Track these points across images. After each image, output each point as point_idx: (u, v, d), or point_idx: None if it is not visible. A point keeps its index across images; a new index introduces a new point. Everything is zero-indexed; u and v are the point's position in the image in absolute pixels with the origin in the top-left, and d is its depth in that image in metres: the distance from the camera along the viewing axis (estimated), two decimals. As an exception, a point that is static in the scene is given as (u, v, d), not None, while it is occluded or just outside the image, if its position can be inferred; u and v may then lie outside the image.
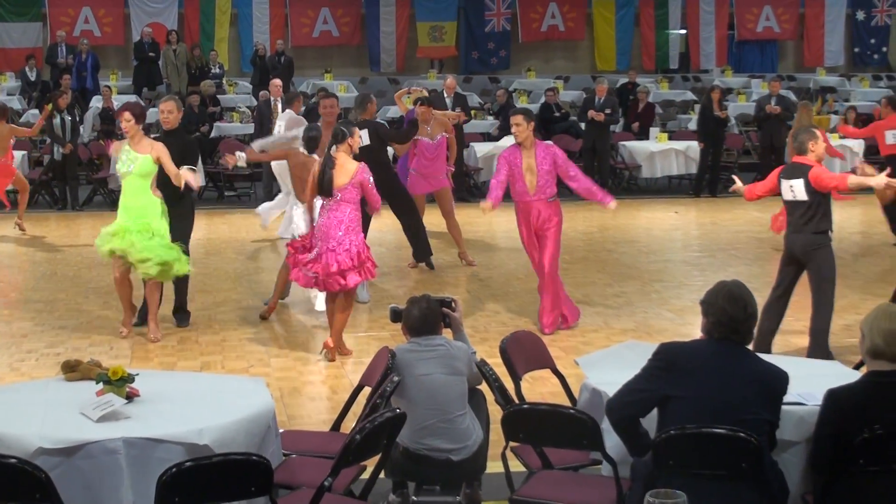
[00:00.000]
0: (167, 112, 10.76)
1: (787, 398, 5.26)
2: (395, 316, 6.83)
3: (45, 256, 14.81)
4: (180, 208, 10.58)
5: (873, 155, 21.63)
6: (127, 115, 10.28)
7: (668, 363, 5.18)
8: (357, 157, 9.73)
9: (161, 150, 10.23)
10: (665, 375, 5.16)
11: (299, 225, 11.01)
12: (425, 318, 6.40)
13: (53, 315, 11.45)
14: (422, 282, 13.04)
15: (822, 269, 9.30)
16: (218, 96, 23.61)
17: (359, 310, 11.61)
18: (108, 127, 20.75)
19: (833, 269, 9.31)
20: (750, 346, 5.31)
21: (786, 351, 9.67)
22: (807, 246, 9.27)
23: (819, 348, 9.28)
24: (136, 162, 10.16)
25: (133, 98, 24.06)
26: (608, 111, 19.84)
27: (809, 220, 9.23)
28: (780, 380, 5.19)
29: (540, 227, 10.71)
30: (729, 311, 5.15)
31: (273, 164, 15.07)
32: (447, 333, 6.60)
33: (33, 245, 15.72)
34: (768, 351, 9.13)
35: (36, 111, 22.36)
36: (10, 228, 16.42)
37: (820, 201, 9.19)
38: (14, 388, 7.31)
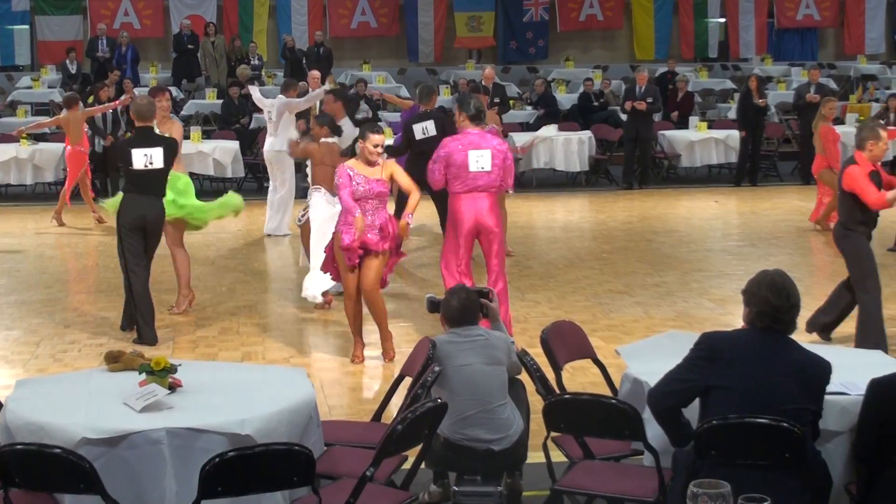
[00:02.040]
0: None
1: (829, 388, 5.24)
2: (433, 306, 6.83)
3: (87, 248, 14.92)
4: (161, 209, 10.24)
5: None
6: (166, 95, 10.65)
7: (711, 353, 5.15)
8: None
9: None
10: (707, 365, 5.13)
11: (317, 207, 11.02)
12: (464, 308, 6.40)
13: (96, 306, 11.53)
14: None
15: (851, 260, 9.29)
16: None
17: (399, 301, 11.64)
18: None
19: (861, 257, 9.24)
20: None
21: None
22: (836, 236, 9.40)
23: (867, 336, 9.21)
24: None
25: (172, 90, 24.20)
26: (650, 100, 19.72)
27: (841, 210, 9.29)
28: (822, 369, 5.16)
29: (483, 220, 9.76)
30: (772, 300, 5.12)
31: (266, 151, 15.21)
32: (484, 324, 6.61)
33: (76, 237, 15.82)
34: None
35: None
36: (49, 221, 16.49)
37: (846, 195, 9.12)
38: (57, 378, 7.36)
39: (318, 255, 10.61)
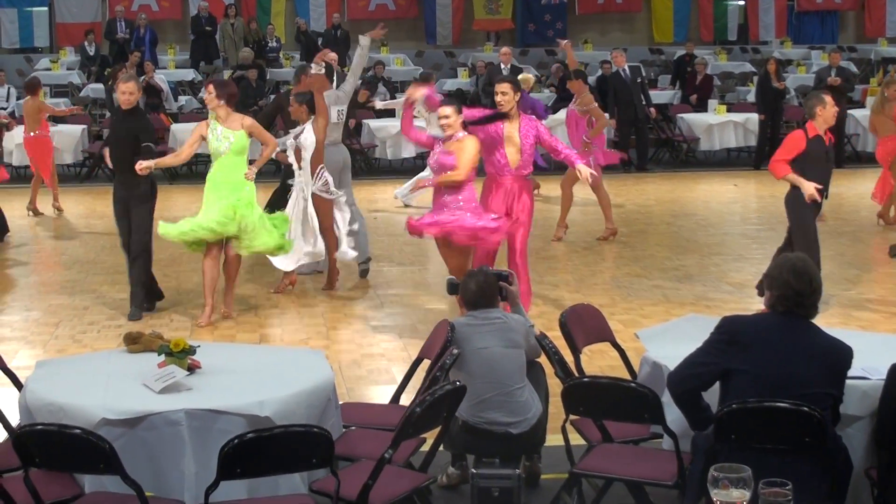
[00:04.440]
0: (129, 93, 10.23)
1: (850, 372, 5.21)
2: (453, 288, 6.82)
3: (105, 229, 14.92)
4: (140, 183, 10.23)
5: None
6: (210, 87, 10.22)
7: (732, 336, 5.13)
8: None
9: (252, 123, 10.20)
10: (728, 349, 5.12)
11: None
12: (482, 290, 6.39)
13: (115, 287, 11.54)
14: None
15: (793, 223, 9.91)
16: (275, 70, 23.71)
17: (418, 285, 11.65)
18: (153, 100, 20.80)
19: (802, 222, 9.80)
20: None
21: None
22: (788, 200, 9.93)
23: None
24: (230, 139, 10.02)
25: (190, 72, 24.24)
26: (639, 79, 19.86)
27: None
28: (844, 354, 5.14)
29: (512, 206, 9.64)
30: (794, 284, 5.09)
31: None
32: (503, 307, 6.59)
33: (94, 218, 15.85)
34: None
35: (96, 85, 22.53)
36: (73, 203, 16.54)
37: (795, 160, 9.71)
38: (77, 359, 7.38)
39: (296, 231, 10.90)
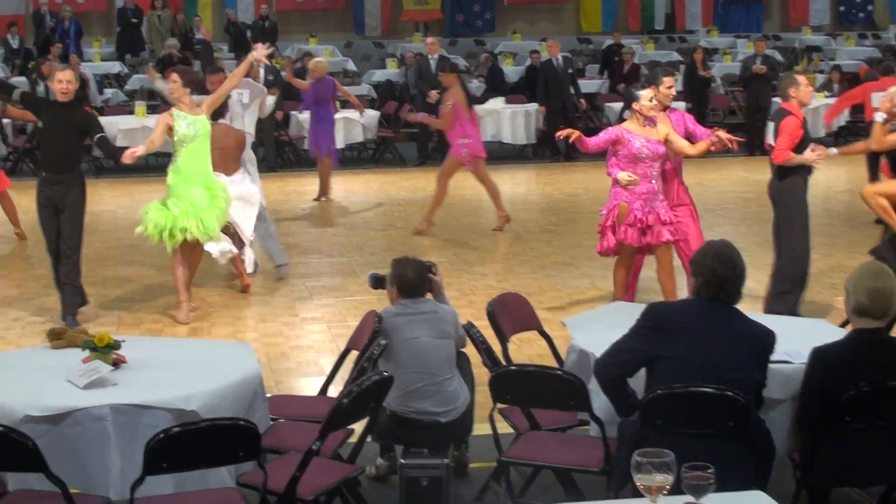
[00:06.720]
0: (66, 82, 9.51)
1: (773, 357, 5.27)
2: (376, 282, 6.72)
3: (30, 225, 14.72)
4: (74, 184, 9.73)
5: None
6: (174, 76, 9.98)
7: (657, 323, 5.17)
8: None
9: (209, 102, 10.03)
10: (653, 335, 5.15)
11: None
12: (421, 278, 6.37)
13: (39, 283, 11.40)
14: (409, 245, 13.01)
15: (782, 214, 9.41)
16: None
17: (347, 275, 11.63)
18: (80, 93, 20.46)
19: (794, 211, 9.35)
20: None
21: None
22: (774, 191, 9.41)
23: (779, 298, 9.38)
24: (196, 125, 9.75)
25: (116, 65, 23.97)
26: (570, 70, 20.00)
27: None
28: (767, 338, 5.20)
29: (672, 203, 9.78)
30: (718, 271, 5.14)
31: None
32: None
33: (19, 213, 15.60)
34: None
35: (20, 79, 22.21)
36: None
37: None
38: (0, 356, 7.28)
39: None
